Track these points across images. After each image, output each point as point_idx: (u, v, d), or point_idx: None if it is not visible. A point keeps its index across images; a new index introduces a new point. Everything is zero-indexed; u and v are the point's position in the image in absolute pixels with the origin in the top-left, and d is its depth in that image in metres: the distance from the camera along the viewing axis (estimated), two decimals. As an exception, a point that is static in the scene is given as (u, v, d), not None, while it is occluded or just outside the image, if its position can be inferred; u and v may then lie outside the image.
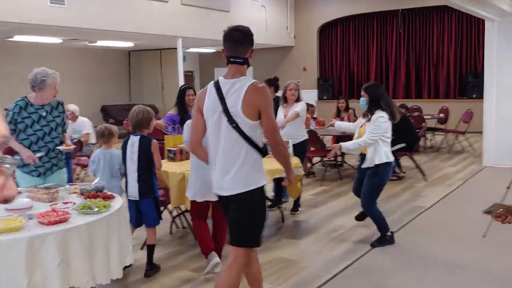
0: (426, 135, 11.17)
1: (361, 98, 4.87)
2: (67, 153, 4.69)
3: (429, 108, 12.77)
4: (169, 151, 5.48)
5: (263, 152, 3.07)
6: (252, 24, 13.18)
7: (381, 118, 4.64)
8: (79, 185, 3.99)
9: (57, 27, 9.65)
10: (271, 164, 4.66)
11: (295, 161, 5.38)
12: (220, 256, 4.30)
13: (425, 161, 9.71)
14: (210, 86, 3.07)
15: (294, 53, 16.75)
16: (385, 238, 4.89)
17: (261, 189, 3.08)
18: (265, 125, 3.00)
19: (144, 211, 4.23)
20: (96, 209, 3.32)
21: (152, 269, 4.30)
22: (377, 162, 4.66)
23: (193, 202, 4.27)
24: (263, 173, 3.15)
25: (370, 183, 4.75)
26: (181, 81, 12.90)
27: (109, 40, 13.23)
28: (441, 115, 11.13)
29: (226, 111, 2.95)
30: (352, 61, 16.06)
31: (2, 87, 13.19)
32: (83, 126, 8.37)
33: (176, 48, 15.86)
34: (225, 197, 3.08)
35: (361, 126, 4.94)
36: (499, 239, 4.52)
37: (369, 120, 4.72)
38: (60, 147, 4.28)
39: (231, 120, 2.95)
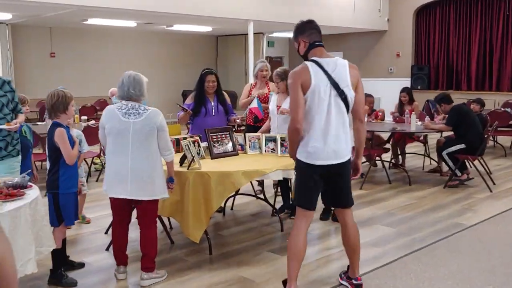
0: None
1: None
2: (25, 142, 4.39)
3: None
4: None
5: None
6: (338, 6, 12.50)
7: None
8: (3, 178, 3.63)
9: (130, 10, 9.65)
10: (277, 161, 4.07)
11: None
12: (150, 268, 3.80)
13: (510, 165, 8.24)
14: (311, 64, 3.28)
15: (387, 38, 15.39)
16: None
17: None
18: (359, 97, 3.36)
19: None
20: (-24, 210, 2.92)
21: (55, 276, 3.77)
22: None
23: (111, 199, 3.79)
24: None
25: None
26: (251, 67, 12.38)
27: (184, 24, 13.04)
28: (538, 112, 9.36)
29: (335, 84, 3.24)
30: (452, 48, 14.33)
31: (77, 69, 13.69)
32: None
33: (261, 33, 15.52)
34: (334, 166, 3.33)
35: None
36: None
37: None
38: (1, 126, 3.95)
39: (341, 92, 3.25)
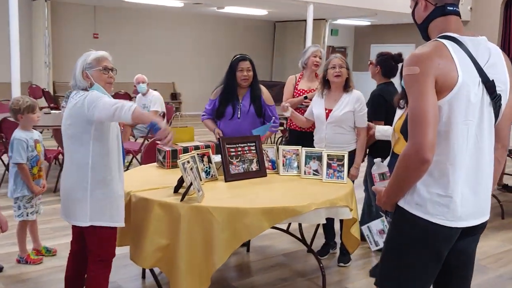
0: None
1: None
2: None
3: None
4: (159, 151, 3.62)
5: None
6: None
7: None
8: None
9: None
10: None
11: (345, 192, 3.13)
12: None
13: None
14: (452, 45, 1.79)
15: (470, 29, 13.34)
16: None
17: None
18: (509, 110, 1.91)
19: None
20: None
21: None
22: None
23: None
24: None
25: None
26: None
27: (237, 6, 11.68)
28: None
29: (490, 85, 1.81)
30: (547, 43, 12.24)
31: (119, 52, 12.56)
32: (153, 101, 6.97)
33: (323, 19, 13.95)
34: (476, 227, 1.91)
35: (400, 118, 3.28)
36: None
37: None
38: None
39: (497, 98, 1.84)
